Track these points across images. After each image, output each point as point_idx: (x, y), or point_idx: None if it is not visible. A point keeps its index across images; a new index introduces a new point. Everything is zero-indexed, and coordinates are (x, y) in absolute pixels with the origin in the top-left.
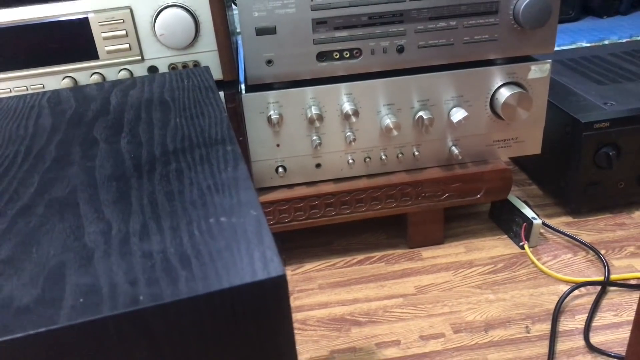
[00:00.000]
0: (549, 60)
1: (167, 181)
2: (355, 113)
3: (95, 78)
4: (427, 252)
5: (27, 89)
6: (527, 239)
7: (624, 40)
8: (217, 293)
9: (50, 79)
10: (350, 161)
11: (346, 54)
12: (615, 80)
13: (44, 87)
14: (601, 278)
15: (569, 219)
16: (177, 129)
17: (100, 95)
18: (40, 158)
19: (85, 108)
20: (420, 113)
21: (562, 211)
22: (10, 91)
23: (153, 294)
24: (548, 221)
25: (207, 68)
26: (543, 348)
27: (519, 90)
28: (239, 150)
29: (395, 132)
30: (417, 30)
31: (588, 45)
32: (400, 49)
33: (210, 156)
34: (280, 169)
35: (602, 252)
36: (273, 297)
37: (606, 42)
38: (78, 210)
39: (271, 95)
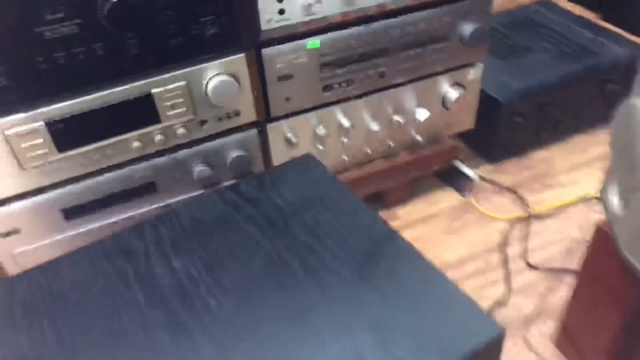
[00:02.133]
0: (482, 64)
1: None
2: (351, 126)
3: (160, 137)
4: (401, 211)
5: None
6: (469, 190)
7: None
8: None
9: (122, 145)
10: (345, 159)
11: (343, 84)
12: (514, 54)
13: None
14: (523, 214)
15: (490, 167)
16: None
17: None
18: None
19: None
20: (395, 117)
21: (487, 164)
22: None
23: None
24: (480, 174)
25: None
26: (500, 273)
27: (462, 90)
28: None
29: (379, 134)
30: (394, 59)
31: None
32: (382, 74)
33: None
34: None
35: (525, 192)
36: None
37: None
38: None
39: (289, 122)
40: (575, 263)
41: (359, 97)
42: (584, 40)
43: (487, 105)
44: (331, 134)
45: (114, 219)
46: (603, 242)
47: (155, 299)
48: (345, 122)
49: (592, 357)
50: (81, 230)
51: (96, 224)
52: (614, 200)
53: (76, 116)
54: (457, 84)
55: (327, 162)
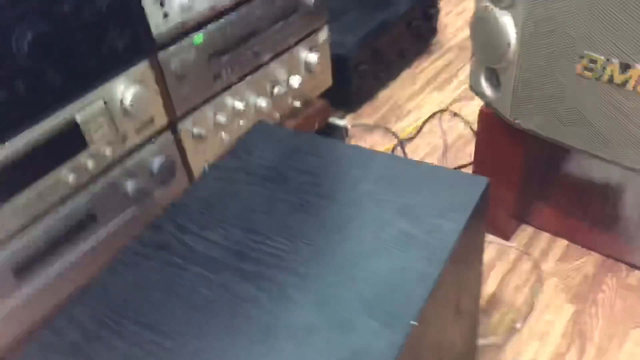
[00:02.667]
0: (326, 27)
1: None
2: (244, 107)
3: (90, 163)
4: None
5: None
6: (347, 136)
7: None
8: None
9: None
10: None
11: (229, 70)
12: (335, 17)
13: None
14: (396, 142)
15: (353, 114)
16: None
17: None
18: None
19: None
20: (275, 89)
21: (351, 112)
22: None
23: None
24: (349, 122)
25: None
26: None
27: (318, 53)
28: None
29: (267, 109)
30: (262, 38)
31: None
32: (256, 54)
33: None
34: None
35: (388, 125)
36: None
37: None
38: None
39: (193, 117)
40: (453, 162)
41: (243, 78)
42: None
43: (337, 63)
44: (230, 119)
45: (67, 264)
46: (487, 121)
47: (216, 266)
48: (239, 105)
49: (500, 211)
50: (35, 285)
51: (50, 274)
52: (485, 87)
53: (3, 164)
54: (312, 48)
55: (230, 147)
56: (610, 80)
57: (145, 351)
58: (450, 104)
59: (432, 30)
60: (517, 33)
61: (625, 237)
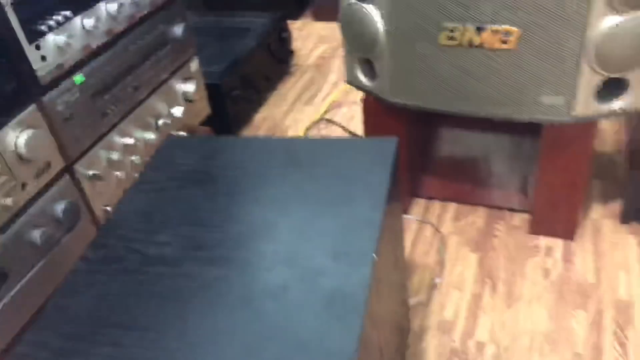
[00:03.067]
0: (196, 57)
1: None
2: (134, 142)
3: None
4: None
5: None
6: None
7: None
8: None
9: None
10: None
11: (113, 107)
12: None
13: None
14: None
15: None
16: None
17: None
18: None
19: None
20: (160, 121)
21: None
22: None
23: None
24: None
25: None
26: None
27: (193, 82)
28: None
29: (155, 141)
30: (140, 72)
31: None
32: (136, 88)
33: None
34: None
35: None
36: None
37: None
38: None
39: (88, 158)
40: None
41: (128, 114)
42: (232, 23)
43: (211, 91)
44: (122, 156)
45: None
46: (371, 108)
47: (174, 261)
48: (128, 141)
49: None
50: None
51: None
52: (362, 77)
53: None
54: (187, 79)
55: (127, 184)
56: (470, 43)
57: (130, 349)
58: (323, 114)
59: (289, 53)
60: (383, 22)
61: (501, 188)
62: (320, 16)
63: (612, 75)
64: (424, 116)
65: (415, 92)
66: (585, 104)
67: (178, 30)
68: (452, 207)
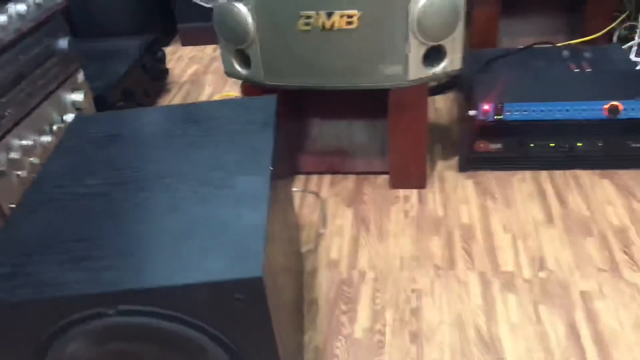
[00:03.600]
0: (81, 68)
1: None
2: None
3: None
4: None
5: None
6: None
7: None
8: None
9: None
10: None
11: (10, 112)
12: (92, 60)
13: None
14: None
15: None
16: None
17: None
18: None
19: None
20: (54, 127)
21: None
22: None
23: None
24: None
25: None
26: None
27: (82, 92)
28: None
29: (51, 144)
30: (30, 79)
31: None
32: (30, 94)
33: None
34: None
35: None
36: None
37: None
38: None
39: None
40: None
41: (24, 118)
42: (106, 47)
43: (98, 102)
44: (21, 156)
45: None
46: (248, 92)
47: (107, 194)
48: (26, 143)
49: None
50: None
51: None
52: (239, 67)
53: None
54: (74, 89)
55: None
56: (323, 27)
57: (86, 252)
58: None
59: (165, 71)
60: (251, 16)
61: (365, 157)
62: (187, 41)
63: (433, 44)
64: (298, 101)
65: (283, 74)
66: (416, 70)
67: (63, 43)
68: (328, 178)
